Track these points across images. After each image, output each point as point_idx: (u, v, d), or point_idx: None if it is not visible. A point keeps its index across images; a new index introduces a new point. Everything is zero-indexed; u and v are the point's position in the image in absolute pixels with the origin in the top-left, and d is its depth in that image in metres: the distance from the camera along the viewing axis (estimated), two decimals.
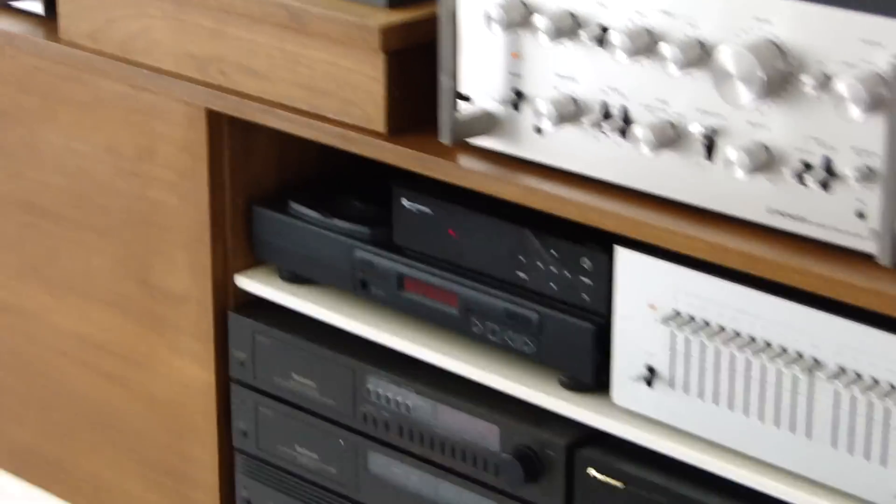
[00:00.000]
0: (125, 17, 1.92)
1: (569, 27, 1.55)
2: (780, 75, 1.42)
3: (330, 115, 1.76)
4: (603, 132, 1.55)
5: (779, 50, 1.42)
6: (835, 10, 1.39)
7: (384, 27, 1.67)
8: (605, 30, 1.53)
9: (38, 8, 2.05)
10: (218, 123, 1.88)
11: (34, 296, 2.18)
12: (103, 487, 2.19)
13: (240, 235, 1.95)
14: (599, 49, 1.53)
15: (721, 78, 1.44)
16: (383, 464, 1.84)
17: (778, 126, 1.44)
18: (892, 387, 1.42)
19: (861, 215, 1.41)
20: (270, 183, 1.95)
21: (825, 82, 1.39)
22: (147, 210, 1.99)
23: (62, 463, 2.23)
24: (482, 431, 1.73)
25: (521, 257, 1.68)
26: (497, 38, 1.60)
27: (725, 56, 1.43)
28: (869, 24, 1.37)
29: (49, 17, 2.04)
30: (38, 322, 2.19)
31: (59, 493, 2.25)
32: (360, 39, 1.69)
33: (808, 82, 1.39)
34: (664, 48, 1.46)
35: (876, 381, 1.43)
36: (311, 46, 1.75)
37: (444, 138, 1.62)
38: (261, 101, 1.81)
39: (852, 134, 1.40)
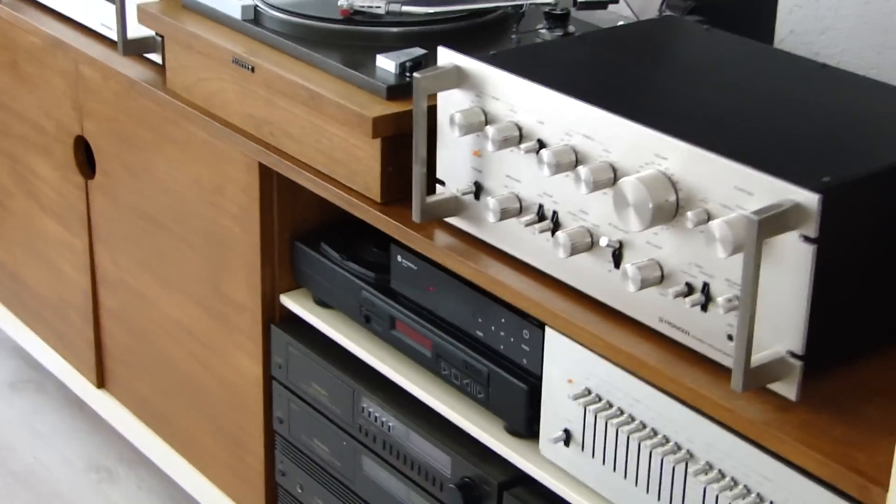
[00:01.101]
0: (208, 78, 1.75)
1: (514, 138, 1.34)
2: (670, 206, 1.20)
3: (341, 180, 1.57)
4: (536, 230, 1.34)
5: (671, 184, 1.20)
6: (718, 157, 1.16)
7: (378, 118, 1.47)
8: (542, 144, 1.32)
9: (160, 59, 1.89)
10: (268, 172, 1.70)
11: (149, 284, 2.03)
12: (191, 440, 2.04)
13: (285, 263, 1.77)
14: (536, 159, 1.32)
15: (620, 203, 1.21)
16: (373, 468, 1.66)
17: (670, 248, 1.22)
18: (748, 490, 1.19)
19: (730, 337, 1.18)
20: (312, 222, 1.77)
21: (705, 219, 1.16)
22: (220, 233, 1.82)
23: (166, 415, 2.09)
24: (439, 459, 1.54)
25: (479, 318, 1.47)
26: (462, 137, 1.39)
27: (625, 184, 1.21)
28: (743, 175, 1.14)
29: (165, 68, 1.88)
30: (150, 305, 2.05)
31: (166, 439, 2.12)
32: (360, 125, 1.49)
33: (690, 218, 1.16)
34: (580, 170, 1.25)
35: (735, 483, 1.21)
36: (328, 123, 1.56)
37: (416, 217, 1.42)
38: (294, 161, 1.63)
39: (726, 266, 1.17)
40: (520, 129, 1.34)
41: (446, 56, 1.41)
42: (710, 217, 1.16)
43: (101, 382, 2.26)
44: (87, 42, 2.03)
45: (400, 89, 1.51)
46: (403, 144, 1.48)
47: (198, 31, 1.73)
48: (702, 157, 1.17)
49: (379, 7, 1.62)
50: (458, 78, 1.39)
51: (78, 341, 2.28)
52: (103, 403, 2.28)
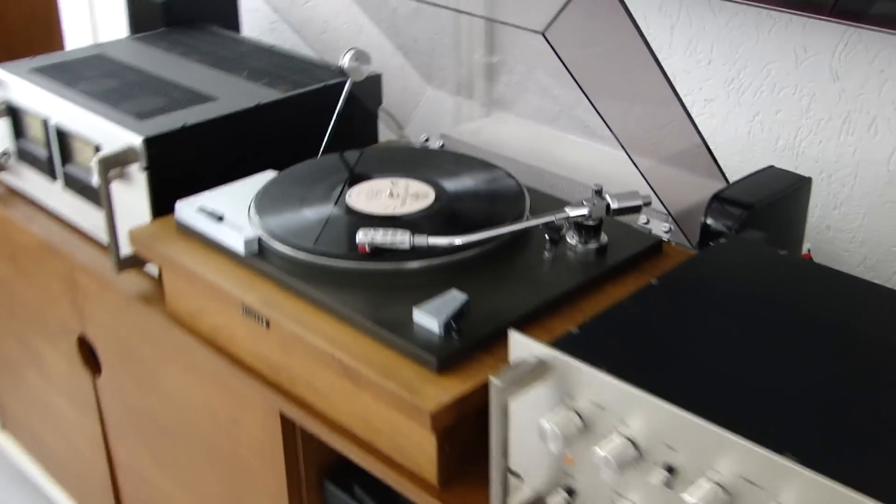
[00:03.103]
0: (212, 310, 1.09)
1: (630, 458, 0.72)
2: None
3: (385, 451, 0.93)
4: None
5: None
6: None
7: (437, 413, 0.84)
8: (670, 469, 0.71)
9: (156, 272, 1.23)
10: (290, 419, 1.06)
11: (166, 483, 1.37)
12: None
13: (314, 500, 1.12)
14: (661, 486, 0.70)
15: None
16: None
17: None
18: None
19: None
20: (343, 460, 1.12)
21: None
22: (240, 462, 1.17)
23: None
24: None
25: None
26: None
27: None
28: None
29: None
30: (170, 500, 1.39)
31: None
32: (414, 416, 0.86)
33: None
34: None
35: None
36: (366, 393, 0.92)
37: None
38: (323, 419, 0.98)
39: None
40: (635, 445, 0.72)
41: (522, 345, 0.78)
42: None
43: None
44: (82, 245, 1.35)
45: (452, 359, 0.88)
46: (464, 423, 0.85)
47: (197, 266, 1.07)
48: None
49: (403, 242, 0.98)
50: (540, 370, 0.77)
51: None
52: None
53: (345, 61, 1.26)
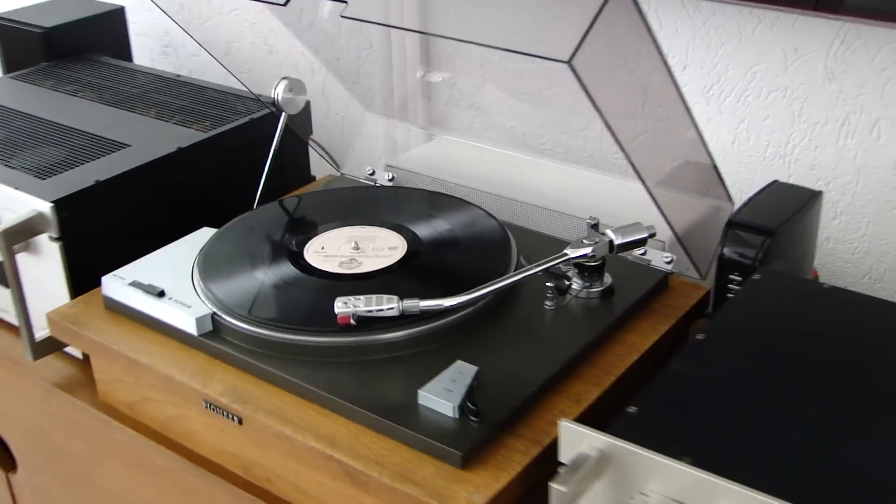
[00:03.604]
0: (161, 401, 0.93)
1: None
2: None
3: None
4: None
5: None
6: None
7: None
8: None
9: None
10: None
11: None
12: None
13: None
14: None
15: None
16: None
17: None
18: None
19: None
20: None
21: None
22: None
23: None
24: None
25: None
26: None
27: None
28: None
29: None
30: None
31: None
32: None
33: None
34: None
35: None
36: (373, 499, 0.78)
37: None
38: None
39: None
40: None
41: (575, 436, 0.65)
42: None
43: None
44: None
45: (476, 449, 0.75)
46: None
47: (139, 355, 0.90)
48: None
49: (392, 308, 0.85)
50: (602, 464, 0.65)
51: None
52: None
53: (278, 93, 1.11)
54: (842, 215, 1.06)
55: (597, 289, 0.92)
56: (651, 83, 0.79)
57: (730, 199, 0.96)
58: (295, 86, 1.11)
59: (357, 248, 0.98)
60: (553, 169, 1.19)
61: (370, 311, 0.84)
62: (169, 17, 1.13)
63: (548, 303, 0.91)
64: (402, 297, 0.84)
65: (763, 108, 1.07)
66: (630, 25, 0.71)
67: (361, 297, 0.85)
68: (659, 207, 0.87)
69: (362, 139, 1.34)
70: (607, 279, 0.93)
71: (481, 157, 1.24)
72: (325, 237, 1.00)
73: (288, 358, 0.85)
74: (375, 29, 1.38)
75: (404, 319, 0.85)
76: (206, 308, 0.90)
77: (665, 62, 0.76)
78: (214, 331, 0.89)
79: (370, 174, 1.20)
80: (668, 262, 0.98)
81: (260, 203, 1.10)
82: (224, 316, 0.89)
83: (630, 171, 1.20)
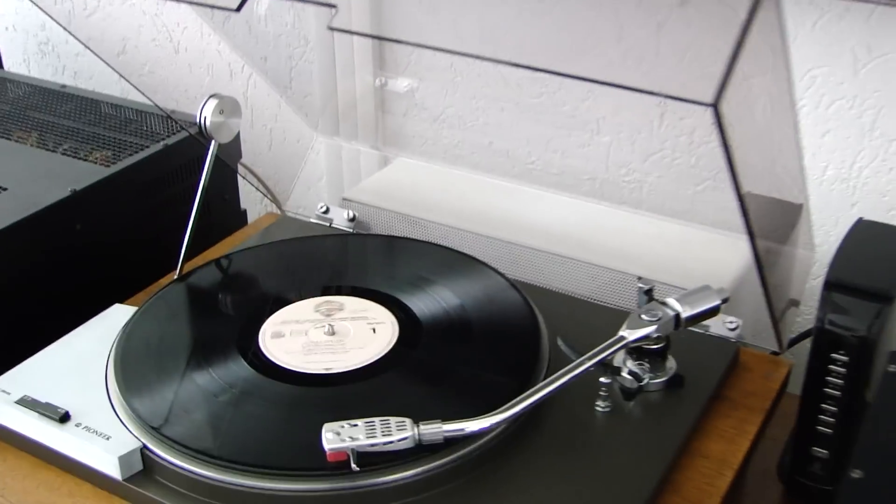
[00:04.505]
0: None
1: None
2: None
3: None
4: None
5: None
6: None
7: None
8: None
9: None
10: None
11: None
12: None
13: None
14: None
15: None
16: None
17: None
18: None
19: None
20: None
21: None
22: None
23: None
24: None
25: None
26: None
27: None
28: None
29: None
30: None
31: None
32: None
33: None
34: None
35: None
36: None
37: None
38: None
39: None
40: None
41: None
42: None
43: None
44: None
45: None
46: None
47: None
48: None
49: (405, 439, 0.60)
50: None
51: None
52: None
53: (205, 116, 0.84)
54: None
55: (660, 379, 0.70)
56: (778, 119, 0.56)
57: (812, 246, 0.75)
58: (227, 106, 0.85)
59: (330, 331, 0.73)
60: (549, 199, 0.96)
61: (374, 446, 0.59)
62: (42, 10, 0.85)
63: (601, 404, 0.68)
64: (416, 422, 0.60)
65: (823, 120, 0.86)
66: (770, 44, 0.48)
67: (358, 422, 0.60)
68: (760, 270, 0.64)
69: (307, 165, 1.08)
70: (671, 364, 0.71)
71: (456, 185, 1.00)
72: (286, 314, 0.75)
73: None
74: (313, 20, 1.12)
75: (416, 450, 0.61)
76: (131, 439, 0.64)
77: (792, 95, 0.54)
78: (145, 471, 0.64)
79: (323, 212, 0.95)
80: (733, 329, 0.76)
81: (185, 263, 0.84)
82: (157, 452, 0.63)
83: (651, 201, 0.98)
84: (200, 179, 0.85)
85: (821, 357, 0.71)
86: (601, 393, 0.68)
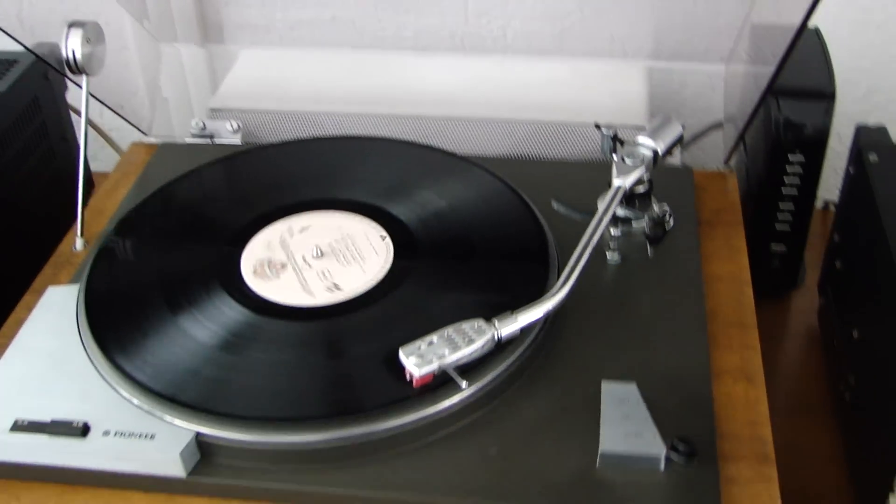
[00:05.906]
0: None
1: None
2: None
3: None
4: None
5: None
6: None
7: None
8: None
9: None
10: None
11: None
12: None
13: None
14: None
15: None
16: None
17: None
18: None
19: None
20: None
21: None
22: None
23: None
24: None
25: None
26: None
27: None
28: None
29: None
30: None
31: None
32: None
33: None
34: None
35: None
36: None
37: None
38: None
39: None
40: None
41: None
42: None
43: None
44: None
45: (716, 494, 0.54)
46: None
47: None
48: None
49: (487, 341, 0.57)
50: None
51: None
52: None
53: (73, 48, 0.71)
54: None
55: (669, 215, 0.71)
56: None
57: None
58: (92, 32, 0.72)
59: (318, 253, 0.67)
60: (416, 63, 0.93)
61: (461, 358, 0.56)
62: None
63: (613, 256, 0.69)
64: (487, 319, 0.58)
65: None
66: None
67: (433, 337, 0.57)
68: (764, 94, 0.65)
69: (141, 77, 0.96)
70: (660, 205, 0.72)
71: (318, 69, 0.93)
72: (257, 243, 0.68)
73: (337, 467, 0.56)
74: None
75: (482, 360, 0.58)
76: (178, 429, 0.56)
77: None
78: (204, 460, 0.57)
79: (201, 129, 0.85)
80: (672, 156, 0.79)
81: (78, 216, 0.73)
82: (214, 434, 0.56)
83: (518, 45, 0.97)
84: (82, 113, 0.73)
85: (779, 159, 0.75)
86: (610, 245, 0.69)
